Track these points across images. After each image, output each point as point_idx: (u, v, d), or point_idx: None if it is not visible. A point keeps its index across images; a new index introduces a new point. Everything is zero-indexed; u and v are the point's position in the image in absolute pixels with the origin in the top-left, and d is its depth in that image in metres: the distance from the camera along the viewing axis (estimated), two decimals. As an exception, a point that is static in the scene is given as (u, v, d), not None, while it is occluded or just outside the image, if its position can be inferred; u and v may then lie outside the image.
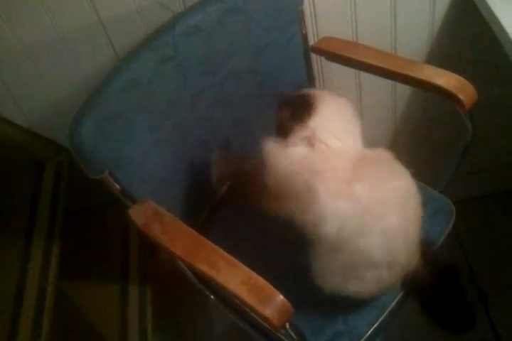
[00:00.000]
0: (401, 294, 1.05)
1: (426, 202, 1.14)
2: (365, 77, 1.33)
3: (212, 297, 1.19)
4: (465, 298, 1.06)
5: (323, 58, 1.20)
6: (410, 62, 1.05)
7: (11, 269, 1.12)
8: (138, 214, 0.95)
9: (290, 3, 1.10)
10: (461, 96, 0.96)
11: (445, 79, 0.99)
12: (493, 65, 1.31)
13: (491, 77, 1.33)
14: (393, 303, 1.04)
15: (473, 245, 1.65)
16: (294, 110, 0.96)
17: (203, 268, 0.83)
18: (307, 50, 1.18)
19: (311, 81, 1.23)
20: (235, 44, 1.08)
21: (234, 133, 1.19)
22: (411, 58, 1.09)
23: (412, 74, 1.02)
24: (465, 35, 1.28)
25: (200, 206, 1.20)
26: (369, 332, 1.01)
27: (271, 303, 0.77)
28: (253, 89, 1.17)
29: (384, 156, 1.00)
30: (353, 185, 0.90)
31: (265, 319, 0.76)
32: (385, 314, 1.03)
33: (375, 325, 1.01)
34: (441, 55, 1.30)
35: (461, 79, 0.98)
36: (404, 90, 1.40)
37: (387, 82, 1.37)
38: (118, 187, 0.95)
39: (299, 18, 1.12)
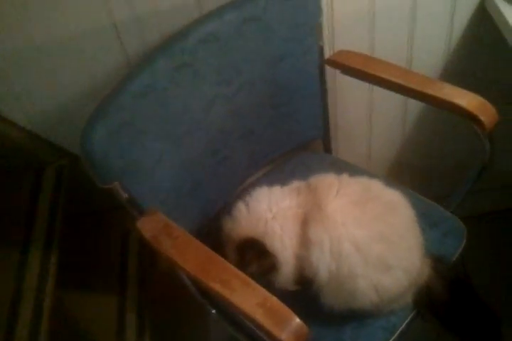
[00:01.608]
0: (412, 314, 1.03)
1: (437, 222, 1.14)
2: (378, 91, 1.32)
3: (213, 312, 1.16)
4: (488, 308, 1.05)
5: (337, 71, 1.19)
6: (429, 80, 1.04)
7: (7, 279, 1.07)
8: (146, 226, 0.92)
9: (309, 15, 1.07)
10: (482, 118, 0.95)
11: (466, 99, 0.97)
12: (506, 85, 1.30)
13: (503, 97, 1.32)
14: (403, 325, 1.02)
15: (476, 264, 1.64)
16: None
17: (216, 286, 0.80)
18: (323, 63, 1.15)
19: (324, 94, 1.21)
20: (251, 53, 1.06)
21: (242, 144, 1.17)
22: (425, 74, 1.07)
23: (431, 92, 1.00)
24: (482, 52, 1.27)
25: (207, 217, 1.16)
26: (378, 355, 0.98)
27: (287, 327, 0.74)
28: (265, 100, 1.14)
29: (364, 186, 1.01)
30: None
31: (281, 343, 0.74)
32: (394, 336, 1.00)
33: (383, 348, 0.99)
34: (456, 73, 1.29)
35: (482, 99, 0.97)
36: (415, 107, 1.38)
37: (399, 98, 1.36)
38: (127, 196, 0.91)
39: (317, 30, 1.10)
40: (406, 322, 1.02)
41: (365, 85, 1.30)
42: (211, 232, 1.14)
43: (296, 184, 1.05)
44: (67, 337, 1.15)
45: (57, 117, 1.23)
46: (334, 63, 1.13)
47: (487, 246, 1.67)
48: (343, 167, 1.26)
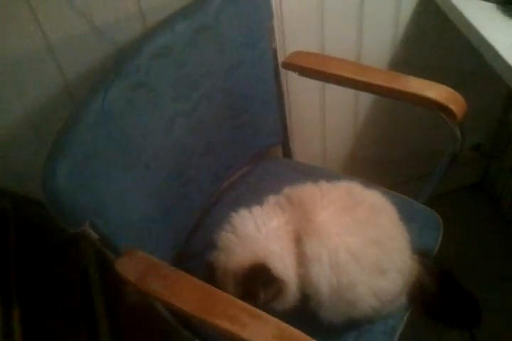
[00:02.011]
0: (407, 314, 1.01)
1: (413, 216, 1.13)
2: (329, 90, 1.29)
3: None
4: (470, 295, 1.07)
5: (287, 74, 1.15)
6: (393, 75, 1.02)
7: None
8: (128, 267, 0.82)
9: (260, 18, 1.02)
10: (453, 108, 0.94)
11: (435, 91, 0.95)
12: (455, 71, 1.31)
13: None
14: (401, 326, 1.00)
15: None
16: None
17: (224, 324, 0.73)
18: (277, 66, 1.10)
19: (280, 98, 1.16)
20: (206, 64, 0.99)
21: (205, 161, 1.09)
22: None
23: (398, 87, 0.98)
24: (430, 41, 1.27)
25: (179, 243, 1.09)
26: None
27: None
28: (224, 112, 1.08)
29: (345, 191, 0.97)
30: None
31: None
32: (395, 338, 0.98)
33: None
34: (407, 64, 1.28)
35: (450, 90, 0.95)
36: (365, 101, 1.37)
37: (350, 94, 1.34)
38: (99, 237, 0.82)
39: (269, 33, 1.05)
40: (403, 322, 1.00)
41: (316, 85, 1.27)
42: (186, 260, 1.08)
43: (273, 199, 0.98)
44: None
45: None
46: (290, 65, 1.08)
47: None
48: (309, 171, 1.22)
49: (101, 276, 1.24)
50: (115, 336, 1.19)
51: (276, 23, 1.08)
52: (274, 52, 1.08)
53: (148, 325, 1.23)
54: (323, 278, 0.88)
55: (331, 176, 1.02)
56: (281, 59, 1.10)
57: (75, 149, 0.77)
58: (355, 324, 0.97)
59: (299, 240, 0.89)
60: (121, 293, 1.27)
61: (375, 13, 1.17)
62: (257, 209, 0.95)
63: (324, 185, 0.97)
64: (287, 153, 1.30)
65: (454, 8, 1.08)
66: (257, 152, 1.22)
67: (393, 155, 1.54)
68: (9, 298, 1.00)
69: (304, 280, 0.89)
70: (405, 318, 1.01)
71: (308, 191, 0.96)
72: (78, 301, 1.22)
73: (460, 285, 1.07)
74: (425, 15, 1.20)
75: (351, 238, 0.89)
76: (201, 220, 1.17)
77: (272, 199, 0.98)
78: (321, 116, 1.36)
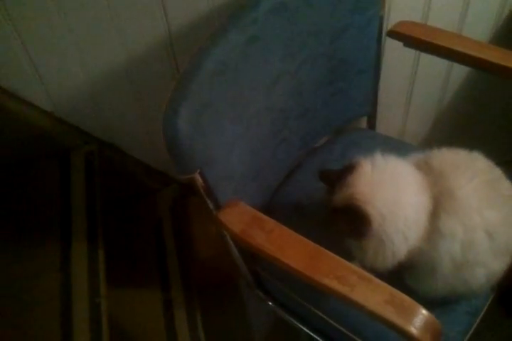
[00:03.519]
0: (492, 296, 0.99)
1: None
2: (422, 65, 1.26)
3: (270, 304, 1.09)
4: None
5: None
6: (509, 54, 0.97)
7: (51, 282, 0.95)
8: (232, 218, 0.83)
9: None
10: None
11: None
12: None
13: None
14: (485, 307, 0.98)
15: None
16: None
17: (332, 284, 0.73)
18: (381, 34, 1.07)
19: (378, 68, 1.13)
20: (316, 25, 0.97)
21: (299, 124, 1.08)
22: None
23: (517, 67, 0.94)
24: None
25: (263, 205, 1.08)
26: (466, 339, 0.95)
27: (422, 324, 0.69)
28: (324, 76, 1.06)
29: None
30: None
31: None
32: (478, 319, 0.97)
33: (470, 332, 0.95)
34: (503, 43, 1.24)
35: None
36: (457, 77, 1.33)
37: (441, 71, 1.30)
38: (206, 187, 0.82)
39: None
40: (487, 304, 0.99)
41: (410, 59, 1.24)
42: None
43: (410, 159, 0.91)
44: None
45: (83, 98, 1.10)
46: (396, 34, 1.05)
47: None
48: (396, 145, 1.19)
49: (174, 231, 1.25)
50: (186, 287, 1.19)
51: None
52: (381, 19, 1.05)
53: (216, 277, 1.23)
54: (448, 256, 0.84)
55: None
56: (384, 28, 1.07)
57: (195, 94, 0.77)
58: (444, 301, 0.94)
59: (434, 214, 0.83)
60: (193, 247, 1.27)
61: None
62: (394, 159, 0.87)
63: (462, 153, 0.90)
64: (372, 124, 1.27)
65: None
66: (345, 121, 1.20)
67: (475, 136, 1.49)
68: (95, 239, 1.02)
69: (426, 254, 0.85)
70: (490, 300, 0.99)
71: (449, 159, 0.89)
72: (152, 252, 1.23)
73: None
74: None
75: (493, 214, 0.84)
76: (283, 182, 1.16)
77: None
78: (409, 90, 1.33)
